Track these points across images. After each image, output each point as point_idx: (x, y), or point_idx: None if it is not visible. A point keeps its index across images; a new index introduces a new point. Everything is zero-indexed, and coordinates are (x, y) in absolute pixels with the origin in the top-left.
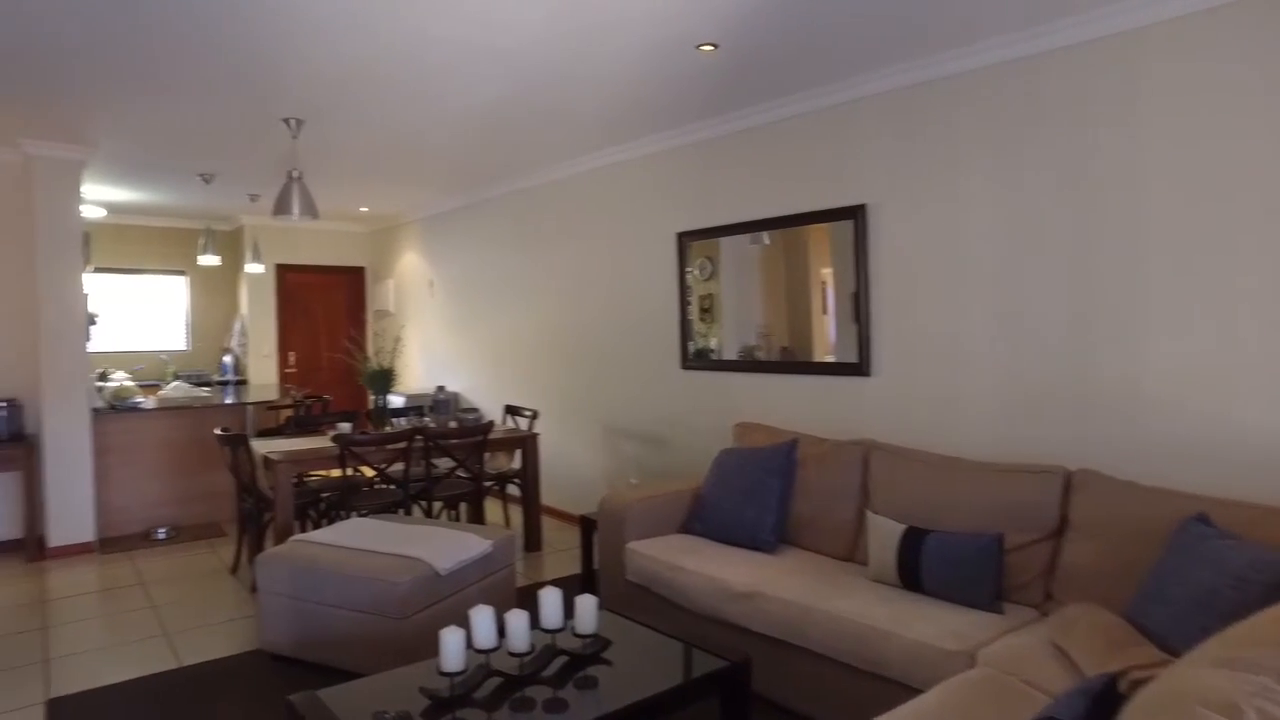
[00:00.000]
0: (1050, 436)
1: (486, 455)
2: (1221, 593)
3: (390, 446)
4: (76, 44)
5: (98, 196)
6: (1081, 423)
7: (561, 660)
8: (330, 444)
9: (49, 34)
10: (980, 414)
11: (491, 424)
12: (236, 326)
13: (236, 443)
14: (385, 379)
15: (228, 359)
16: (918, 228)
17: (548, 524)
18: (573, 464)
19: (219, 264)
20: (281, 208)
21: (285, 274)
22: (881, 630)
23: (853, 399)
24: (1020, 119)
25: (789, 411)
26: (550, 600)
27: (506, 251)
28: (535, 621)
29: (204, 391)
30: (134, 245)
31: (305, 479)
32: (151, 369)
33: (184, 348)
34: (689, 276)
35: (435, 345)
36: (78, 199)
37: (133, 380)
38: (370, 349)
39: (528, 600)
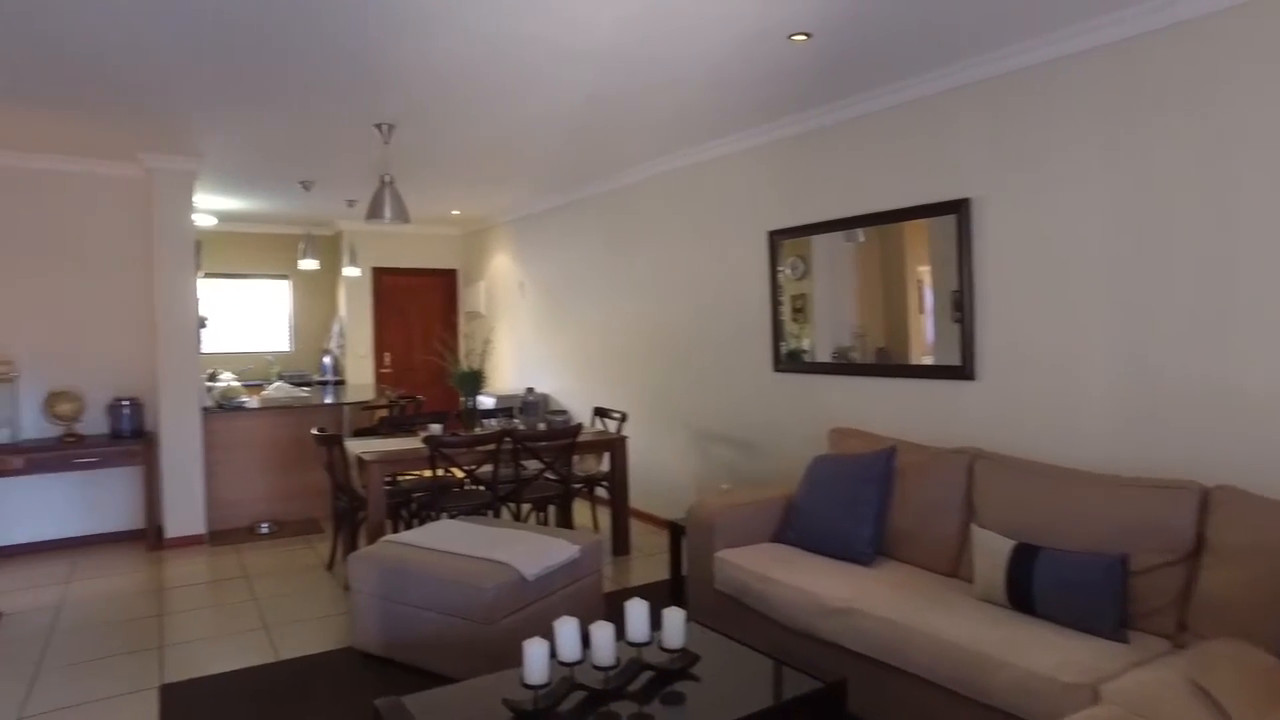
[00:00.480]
0: (1177, 447)
1: (575, 458)
2: None
3: (479, 448)
4: (188, 66)
5: (209, 206)
6: (1216, 433)
7: (648, 675)
8: (421, 445)
9: (164, 59)
10: (1096, 421)
11: (580, 426)
12: (335, 328)
13: (331, 443)
14: (474, 381)
15: (327, 360)
16: (1026, 221)
17: (637, 528)
18: (663, 468)
19: (317, 268)
20: (374, 212)
21: (381, 277)
22: (990, 656)
23: (954, 404)
24: (1142, 102)
25: (885, 416)
26: (636, 612)
27: (596, 252)
28: (621, 633)
29: (303, 391)
30: (241, 251)
31: (398, 479)
32: (257, 369)
33: (287, 349)
34: (781, 276)
35: (526, 347)
36: (190, 208)
37: (238, 380)
38: (461, 351)
39: (615, 606)
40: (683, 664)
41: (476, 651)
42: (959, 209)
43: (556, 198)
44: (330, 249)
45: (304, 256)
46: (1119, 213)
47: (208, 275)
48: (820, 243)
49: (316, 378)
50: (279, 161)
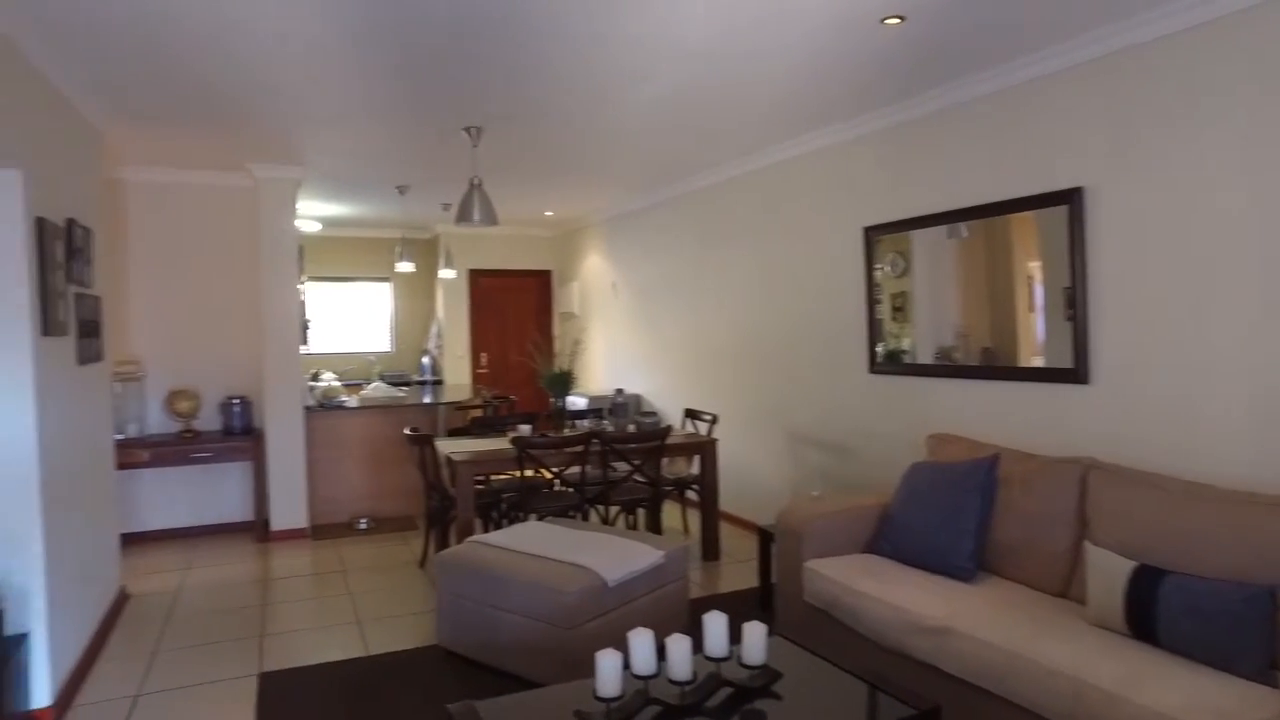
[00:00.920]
0: None
1: (665, 460)
2: None
3: (567, 450)
4: (292, 81)
5: (314, 212)
6: None
7: (726, 691)
8: (509, 446)
9: (269, 77)
10: (1230, 431)
11: (669, 429)
12: (433, 329)
13: (423, 442)
14: (564, 382)
15: (426, 360)
16: (1147, 209)
17: (729, 532)
18: (755, 471)
19: (413, 270)
20: (463, 215)
21: (477, 278)
22: (1107, 691)
23: (1065, 409)
24: None
25: (988, 421)
26: (715, 625)
27: (687, 251)
28: (699, 646)
29: (400, 391)
30: (344, 255)
31: (490, 479)
32: (359, 370)
33: (388, 350)
34: (878, 273)
35: (618, 347)
36: (293, 214)
37: (339, 380)
38: (556, 351)
39: (701, 614)
40: (763, 681)
41: (558, 656)
42: (1070, 199)
43: (649, 197)
44: (429, 252)
45: (400, 259)
46: (1261, 197)
47: (312, 279)
48: (920, 238)
49: (415, 378)
50: (375, 167)
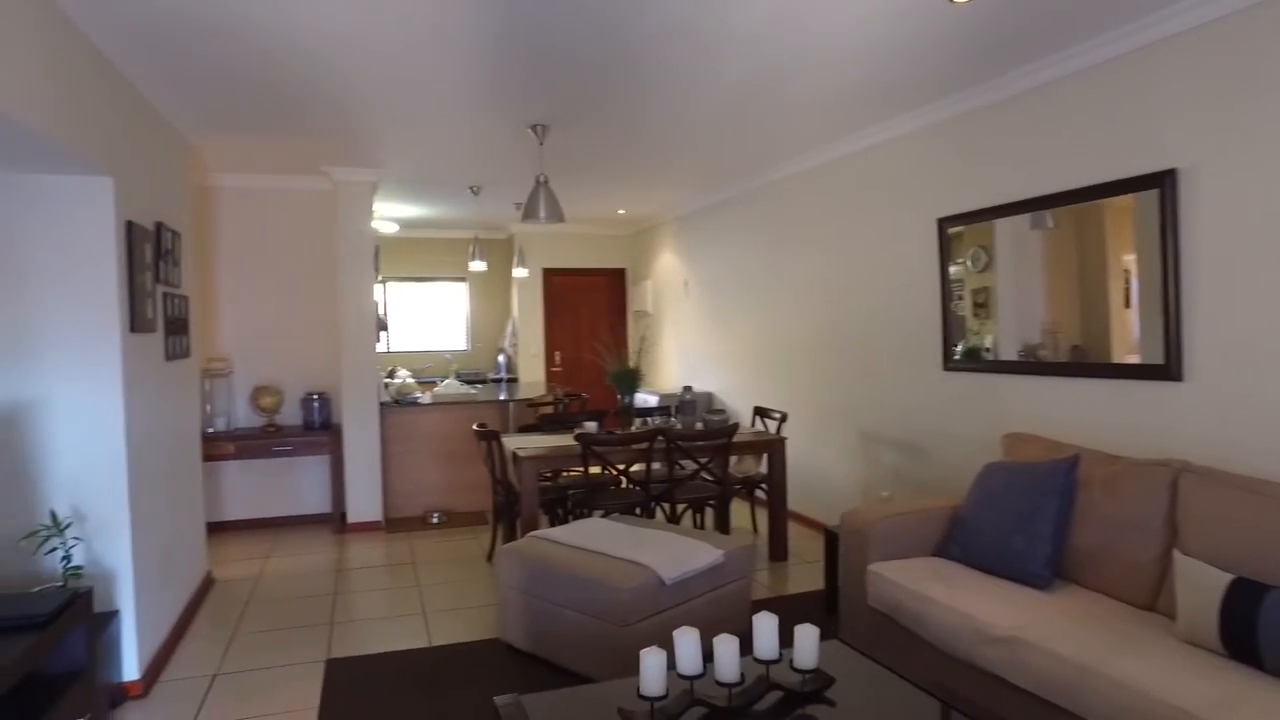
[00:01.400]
0: None
1: (734, 458)
2: None
3: (633, 447)
4: (370, 84)
5: (391, 213)
6: None
7: (775, 695)
8: (574, 442)
9: (348, 82)
10: None
11: (735, 426)
12: (508, 328)
13: (490, 438)
14: (630, 378)
15: (501, 358)
16: (1251, 192)
17: (798, 532)
18: (825, 470)
19: (485, 269)
20: (530, 212)
21: (551, 277)
22: (1197, 716)
23: (1155, 409)
24: None
25: (1068, 421)
26: (765, 627)
27: (756, 248)
28: (748, 648)
29: (473, 389)
30: (421, 255)
31: (558, 475)
32: (436, 367)
33: (465, 348)
34: (960, 267)
35: (690, 345)
36: (369, 215)
37: (413, 378)
38: (630, 349)
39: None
40: (815, 686)
41: (613, 653)
42: (1162, 182)
43: (719, 193)
44: (503, 251)
45: (473, 258)
46: None
47: (390, 279)
48: (1004, 231)
49: (490, 375)
50: (449, 168)
